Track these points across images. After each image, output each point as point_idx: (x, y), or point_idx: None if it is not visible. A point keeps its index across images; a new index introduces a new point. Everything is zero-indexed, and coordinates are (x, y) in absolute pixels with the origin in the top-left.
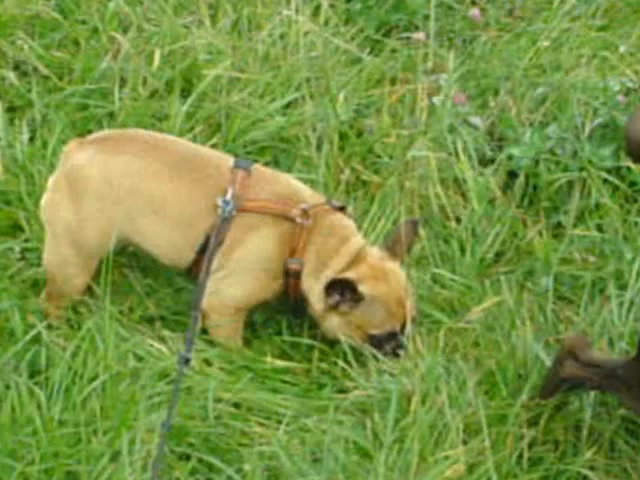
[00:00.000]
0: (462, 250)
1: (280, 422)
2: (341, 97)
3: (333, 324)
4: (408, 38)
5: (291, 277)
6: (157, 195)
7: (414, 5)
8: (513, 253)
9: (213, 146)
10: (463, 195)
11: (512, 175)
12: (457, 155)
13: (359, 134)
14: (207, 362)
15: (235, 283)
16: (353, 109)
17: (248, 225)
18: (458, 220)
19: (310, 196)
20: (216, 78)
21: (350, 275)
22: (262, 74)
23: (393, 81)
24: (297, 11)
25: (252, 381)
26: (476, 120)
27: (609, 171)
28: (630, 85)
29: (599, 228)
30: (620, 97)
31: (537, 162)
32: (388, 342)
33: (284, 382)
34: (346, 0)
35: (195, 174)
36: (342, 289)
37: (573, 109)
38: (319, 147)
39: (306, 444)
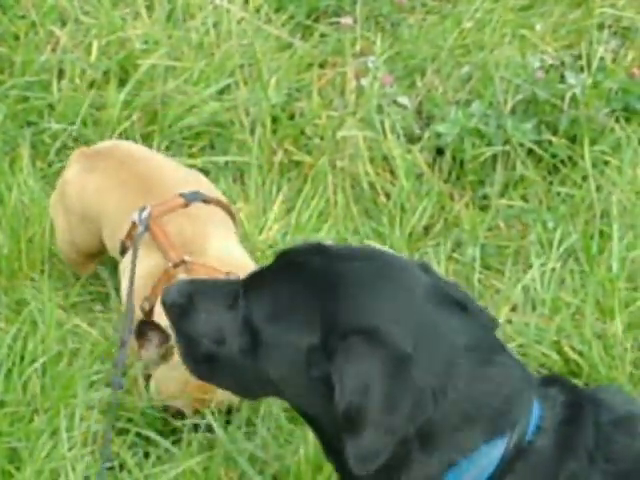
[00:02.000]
0: (392, 225)
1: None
2: (273, 82)
3: None
4: (337, 23)
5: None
6: (106, 209)
7: None
8: (441, 226)
9: (150, 133)
10: (392, 172)
11: (439, 151)
12: (385, 134)
13: (291, 117)
14: None
15: None
16: (285, 93)
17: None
18: (388, 196)
19: (222, 257)
20: (152, 67)
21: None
22: (196, 62)
23: (323, 65)
24: (229, 0)
25: None
26: (404, 100)
27: (534, 143)
28: (550, 62)
29: (524, 199)
30: (539, 73)
31: (462, 138)
32: None
33: None
34: None
35: (141, 191)
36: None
37: (496, 86)
38: (253, 130)
39: (241, 414)
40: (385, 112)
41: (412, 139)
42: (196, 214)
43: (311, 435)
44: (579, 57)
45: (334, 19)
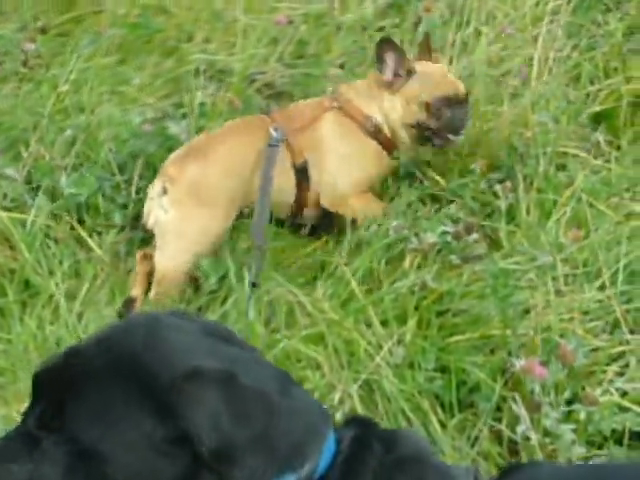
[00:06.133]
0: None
1: None
2: None
3: (400, 109)
4: None
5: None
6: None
7: None
8: None
9: None
10: (12, 247)
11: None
12: None
13: None
14: None
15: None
16: None
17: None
18: (12, 272)
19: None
20: None
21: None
22: None
23: None
24: None
25: None
26: (11, 171)
27: None
28: (152, 115)
29: None
30: (146, 126)
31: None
32: (447, 109)
33: None
34: None
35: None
36: (393, 63)
37: (104, 145)
38: None
39: None
40: None
41: (23, 209)
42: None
43: None
44: (181, 105)
45: None
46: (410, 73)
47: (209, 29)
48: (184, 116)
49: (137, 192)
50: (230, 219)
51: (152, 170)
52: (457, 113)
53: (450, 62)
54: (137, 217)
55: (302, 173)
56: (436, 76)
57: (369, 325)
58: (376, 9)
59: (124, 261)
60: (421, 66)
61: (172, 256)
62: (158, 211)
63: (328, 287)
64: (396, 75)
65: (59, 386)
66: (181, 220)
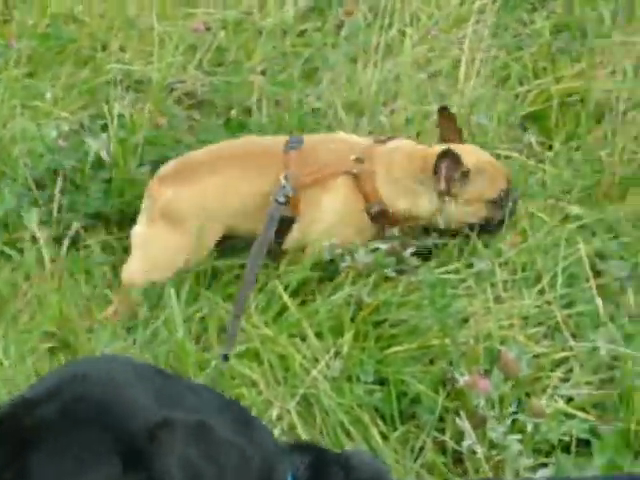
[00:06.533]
0: None
1: None
2: None
3: (452, 211)
4: None
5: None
6: (236, 197)
7: None
8: None
9: None
10: None
11: None
12: None
13: None
14: None
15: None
16: None
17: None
18: None
19: (358, 142)
20: None
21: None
22: None
23: None
24: None
25: None
26: None
27: None
28: (67, 128)
29: None
30: (61, 141)
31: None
32: (506, 200)
33: None
34: None
35: (256, 169)
36: (447, 171)
37: (19, 160)
38: None
39: None
40: None
41: None
42: (313, 144)
43: None
44: (98, 117)
45: None
46: (465, 174)
47: (124, 37)
48: (103, 128)
49: (59, 210)
50: (202, 249)
51: (73, 185)
52: (512, 198)
53: (375, 65)
54: (60, 235)
55: (285, 223)
56: (488, 168)
57: (304, 339)
58: (297, 13)
59: (46, 279)
60: (466, 157)
61: (133, 271)
62: (138, 223)
63: (260, 301)
64: (449, 179)
65: (16, 440)
66: (149, 238)
